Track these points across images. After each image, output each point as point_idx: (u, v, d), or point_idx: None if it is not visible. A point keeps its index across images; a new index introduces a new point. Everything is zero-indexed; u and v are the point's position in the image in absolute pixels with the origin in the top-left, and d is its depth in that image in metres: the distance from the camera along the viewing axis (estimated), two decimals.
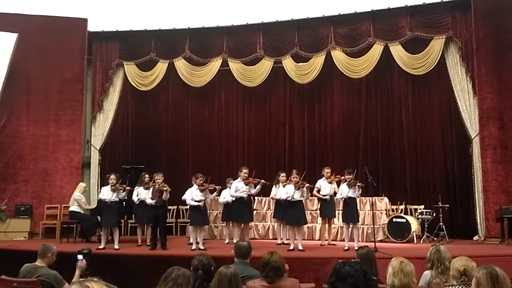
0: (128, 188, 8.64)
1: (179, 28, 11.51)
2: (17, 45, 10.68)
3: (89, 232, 9.33)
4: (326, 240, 8.82)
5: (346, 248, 7.81)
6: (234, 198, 8.43)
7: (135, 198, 8.83)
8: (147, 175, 8.80)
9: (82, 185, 9.91)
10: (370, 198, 8.65)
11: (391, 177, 10.63)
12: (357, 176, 8.13)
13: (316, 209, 9.52)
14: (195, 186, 8.10)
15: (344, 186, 8.07)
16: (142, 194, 8.70)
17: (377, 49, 10.44)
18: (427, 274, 4.02)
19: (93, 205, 10.02)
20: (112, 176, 8.29)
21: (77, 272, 4.69)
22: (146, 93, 11.78)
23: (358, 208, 8.44)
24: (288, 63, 11.05)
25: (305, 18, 10.93)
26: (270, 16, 11.07)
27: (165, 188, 7.98)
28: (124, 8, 11.13)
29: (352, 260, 3.41)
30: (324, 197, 8.50)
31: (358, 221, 8.38)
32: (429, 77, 10.38)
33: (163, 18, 11.29)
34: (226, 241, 9.16)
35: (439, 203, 9.17)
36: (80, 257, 4.75)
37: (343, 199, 8.08)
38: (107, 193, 8.18)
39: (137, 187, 8.88)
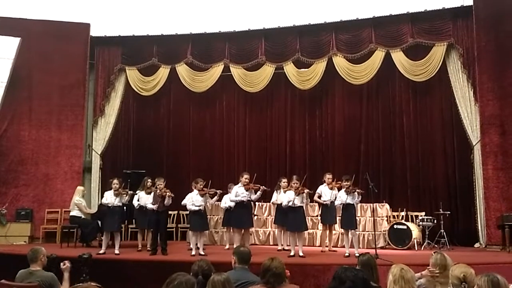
0: (130, 192, 8.60)
1: (181, 34, 11.56)
2: (20, 50, 10.70)
3: (89, 236, 9.29)
4: (327, 246, 8.80)
5: (347, 254, 7.78)
6: (234, 204, 8.42)
7: (135, 202, 8.80)
8: (149, 180, 8.75)
9: (80, 188, 9.87)
10: (371, 204, 8.65)
11: (392, 184, 10.61)
12: (357, 182, 8.10)
13: (317, 215, 9.50)
14: (195, 191, 8.08)
15: (342, 192, 8.02)
16: (143, 198, 8.66)
17: (378, 56, 10.46)
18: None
19: (94, 209, 10.02)
20: (115, 181, 8.28)
21: (66, 275, 4.64)
22: (148, 98, 11.81)
23: (358, 215, 8.39)
24: (289, 69, 11.07)
25: (307, 24, 10.96)
26: (272, 22, 11.12)
27: (168, 194, 7.95)
28: (126, 13, 11.20)
29: (355, 267, 3.42)
30: (325, 202, 8.50)
31: (357, 228, 8.32)
32: (430, 84, 10.39)
33: (166, 23, 11.36)
34: (226, 246, 9.13)
35: (440, 210, 9.17)
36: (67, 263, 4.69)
37: (342, 205, 8.04)
38: (110, 198, 8.18)
39: (138, 191, 8.85)
